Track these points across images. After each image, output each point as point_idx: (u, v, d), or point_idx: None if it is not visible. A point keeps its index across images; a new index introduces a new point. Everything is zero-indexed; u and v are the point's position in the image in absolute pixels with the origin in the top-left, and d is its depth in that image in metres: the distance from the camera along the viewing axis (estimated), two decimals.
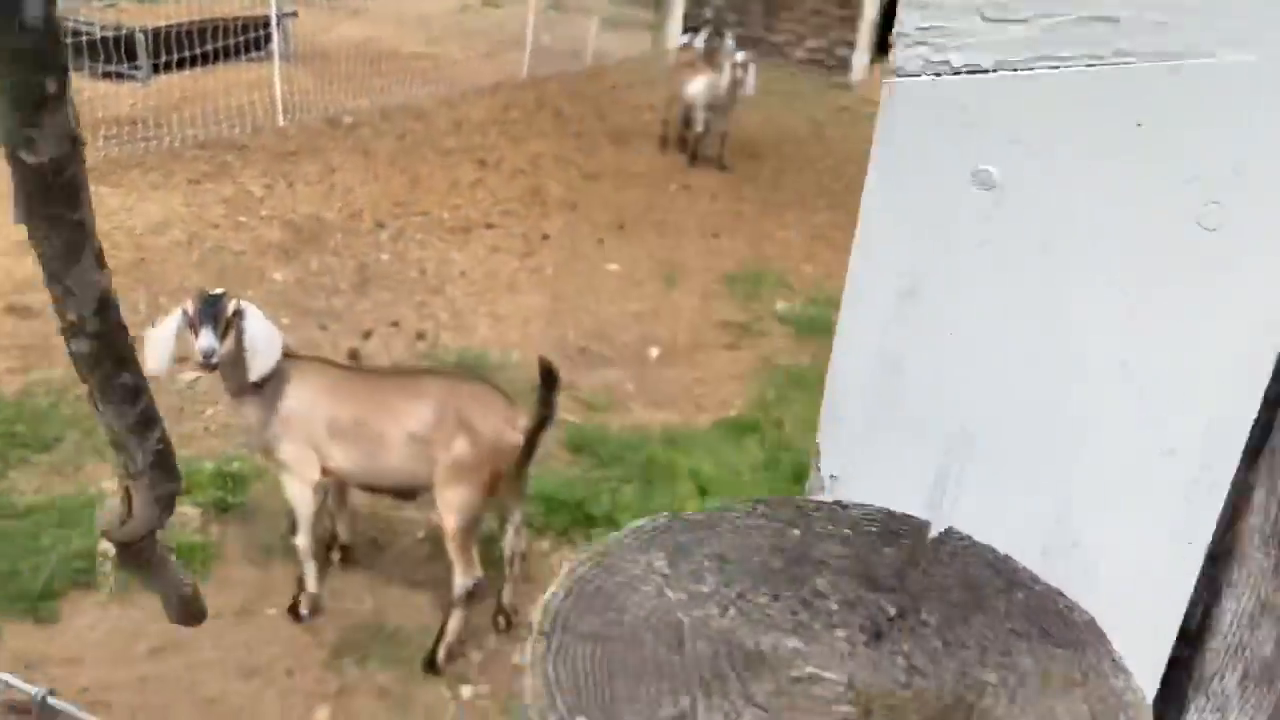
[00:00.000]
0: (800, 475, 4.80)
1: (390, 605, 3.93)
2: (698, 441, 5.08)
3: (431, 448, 3.45)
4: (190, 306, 3.38)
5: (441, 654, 3.63)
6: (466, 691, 3.60)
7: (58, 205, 0.72)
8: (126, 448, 0.84)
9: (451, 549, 3.53)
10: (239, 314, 3.40)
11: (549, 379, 3.51)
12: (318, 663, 3.64)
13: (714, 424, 5.37)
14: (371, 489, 3.76)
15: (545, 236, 7.58)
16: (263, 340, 3.45)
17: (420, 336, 5.91)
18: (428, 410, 3.46)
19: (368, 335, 5.87)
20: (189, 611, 1.10)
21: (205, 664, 3.55)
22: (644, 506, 4.39)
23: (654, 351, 6.16)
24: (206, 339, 3.33)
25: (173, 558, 1.08)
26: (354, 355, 5.60)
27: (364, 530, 4.32)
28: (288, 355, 3.59)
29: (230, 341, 3.39)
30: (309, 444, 3.52)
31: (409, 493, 3.67)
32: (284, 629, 3.75)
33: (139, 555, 0.97)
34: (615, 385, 5.73)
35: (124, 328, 0.82)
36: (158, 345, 3.38)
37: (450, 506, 3.46)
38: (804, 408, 5.56)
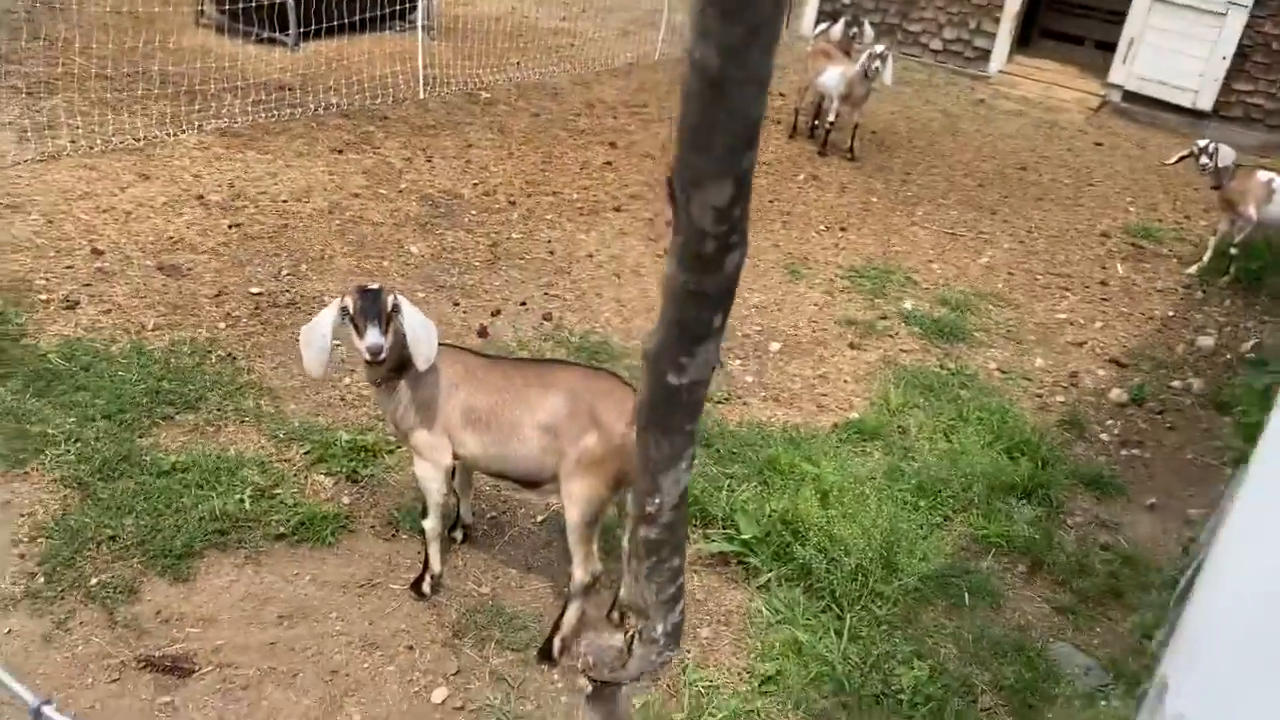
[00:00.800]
0: (925, 490, 4.71)
1: (509, 589, 4.00)
2: (819, 444, 5.01)
3: (561, 440, 3.48)
4: (350, 303, 3.41)
5: (556, 645, 3.67)
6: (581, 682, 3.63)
7: (679, 418, 0.72)
8: (650, 615, 0.89)
9: (572, 541, 3.56)
10: (396, 308, 3.45)
11: None
12: (438, 641, 3.72)
13: (835, 426, 5.29)
14: (499, 476, 3.81)
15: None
16: (423, 333, 3.48)
17: (546, 318, 5.96)
18: (560, 403, 3.49)
19: (496, 314, 5.95)
20: None
21: (331, 634, 3.67)
22: (762, 508, 4.36)
23: (775, 346, 6.09)
24: (374, 336, 3.36)
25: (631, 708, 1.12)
26: (484, 333, 5.68)
27: (485, 510, 4.39)
28: None
29: (390, 336, 3.43)
30: (443, 430, 3.58)
31: (534, 482, 3.72)
32: (407, 605, 3.85)
33: (609, 694, 1.02)
34: (735, 378, 5.70)
35: (687, 521, 0.89)
36: (315, 344, 3.43)
37: (575, 499, 3.48)
38: (929, 415, 5.44)
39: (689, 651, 3.80)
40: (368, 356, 3.40)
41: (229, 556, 3.93)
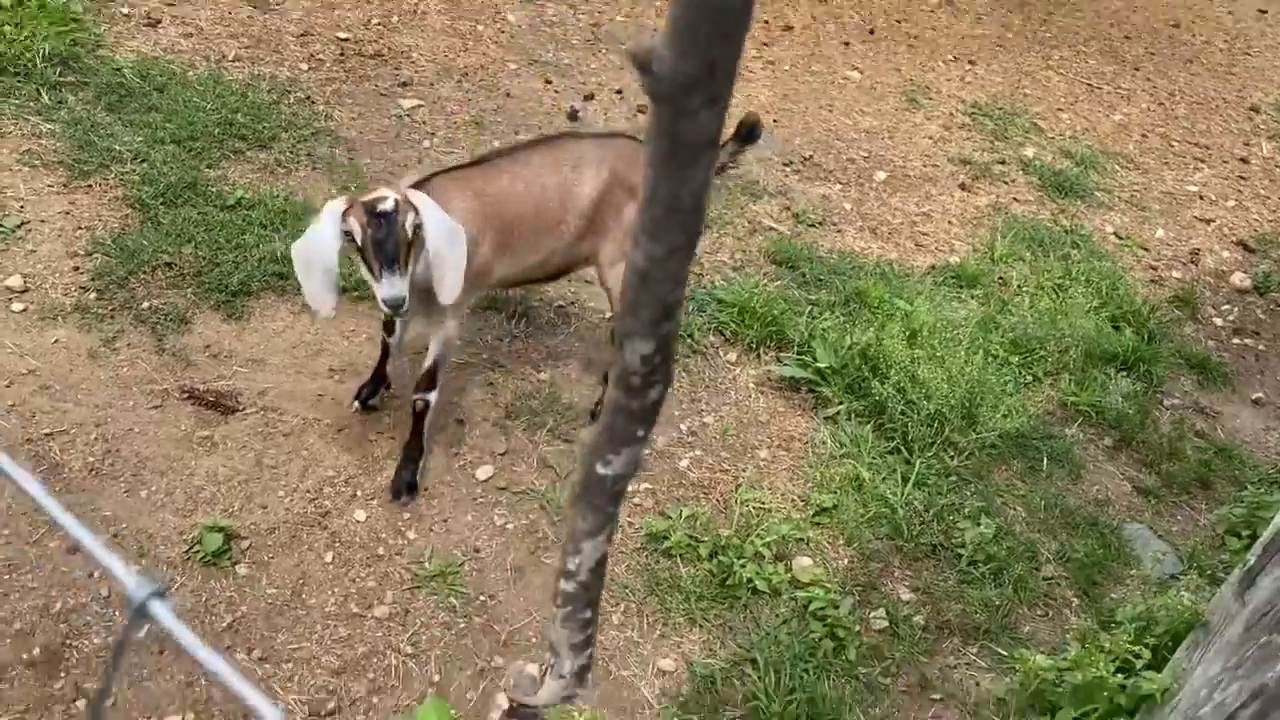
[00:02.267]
0: (1019, 347, 4.39)
1: (567, 380, 3.82)
2: (912, 283, 4.69)
3: (603, 217, 3.23)
4: (356, 228, 2.64)
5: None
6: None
7: (603, 501, 0.90)
8: (559, 654, 1.02)
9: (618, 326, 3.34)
10: (418, 229, 2.70)
11: (748, 135, 3.38)
12: (489, 420, 3.58)
13: (932, 268, 4.94)
14: (517, 285, 3.56)
15: (788, 28, 7.02)
16: (450, 254, 2.78)
17: (641, 110, 5.59)
18: (593, 181, 3.19)
19: (590, 98, 5.59)
20: None
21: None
22: (843, 339, 4.09)
23: (880, 175, 5.68)
24: (393, 286, 2.65)
25: None
26: (574, 116, 5.34)
27: (553, 300, 4.18)
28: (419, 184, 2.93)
29: (412, 269, 2.74)
30: (472, 284, 3.06)
31: (561, 275, 3.48)
32: (462, 378, 3.69)
33: (526, 715, 1.16)
34: (833, 203, 5.34)
35: (602, 584, 1.03)
36: (316, 277, 2.72)
37: (619, 280, 3.23)
38: (1034, 270, 5.06)
39: (744, 470, 3.62)
40: (386, 310, 2.74)
41: (285, 302, 3.78)
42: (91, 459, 3.12)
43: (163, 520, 3.03)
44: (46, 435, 3.15)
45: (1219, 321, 5.23)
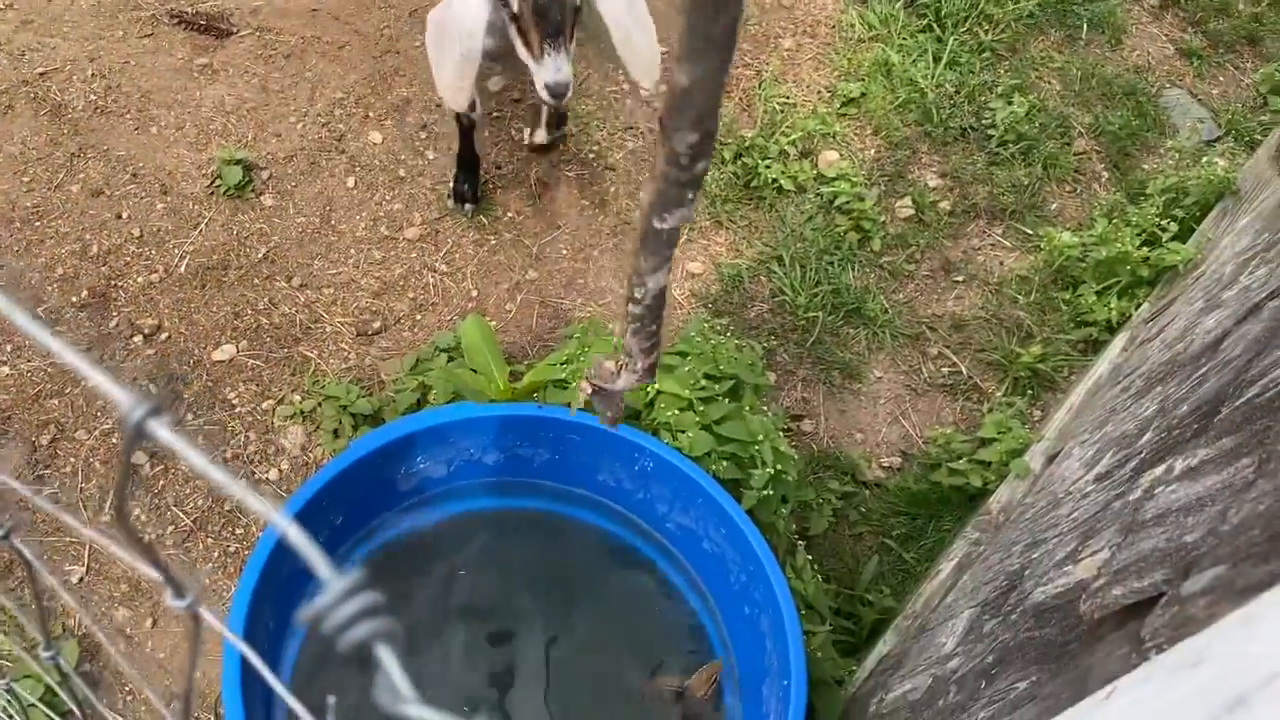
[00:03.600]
0: None
1: None
2: None
3: None
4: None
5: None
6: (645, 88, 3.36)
7: (661, 246, 1.06)
8: (632, 353, 1.18)
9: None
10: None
11: None
12: None
13: None
14: None
15: None
16: (639, 27, 2.19)
17: None
18: None
19: None
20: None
21: (379, 5, 3.33)
22: None
23: None
24: (559, 70, 2.09)
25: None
26: None
27: None
28: None
29: (574, 45, 2.16)
30: None
31: None
32: None
33: (607, 394, 1.35)
34: None
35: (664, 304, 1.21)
36: (454, 57, 2.15)
37: None
38: None
39: (767, 63, 3.46)
40: (548, 98, 2.16)
41: None
42: (93, 97, 3.03)
43: (179, 156, 3.00)
44: (41, 75, 3.03)
45: None
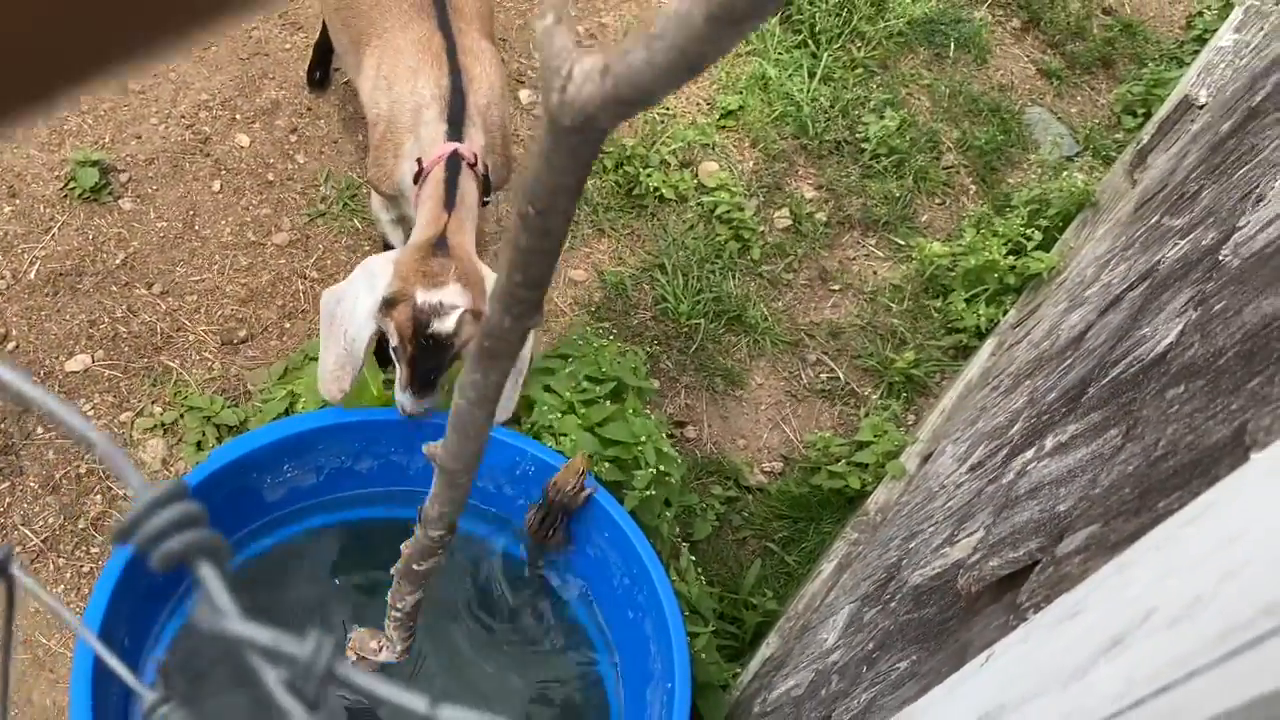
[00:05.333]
0: None
1: None
2: None
3: None
4: (394, 335, 1.94)
5: None
6: (524, 96, 3.33)
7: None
8: (393, 639, 1.47)
9: None
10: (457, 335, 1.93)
11: None
12: None
13: None
14: None
15: None
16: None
17: None
18: None
19: None
20: None
21: None
22: None
23: None
24: (418, 406, 1.99)
25: None
26: None
27: None
28: None
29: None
30: None
31: None
32: None
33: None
34: None
35: None
36: (335, 351, 2.01)
37: None
38: None
39: None
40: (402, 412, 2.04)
41: None
42: None
43: (29, 156, 2.84)
44: None
45: None
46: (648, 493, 2.09)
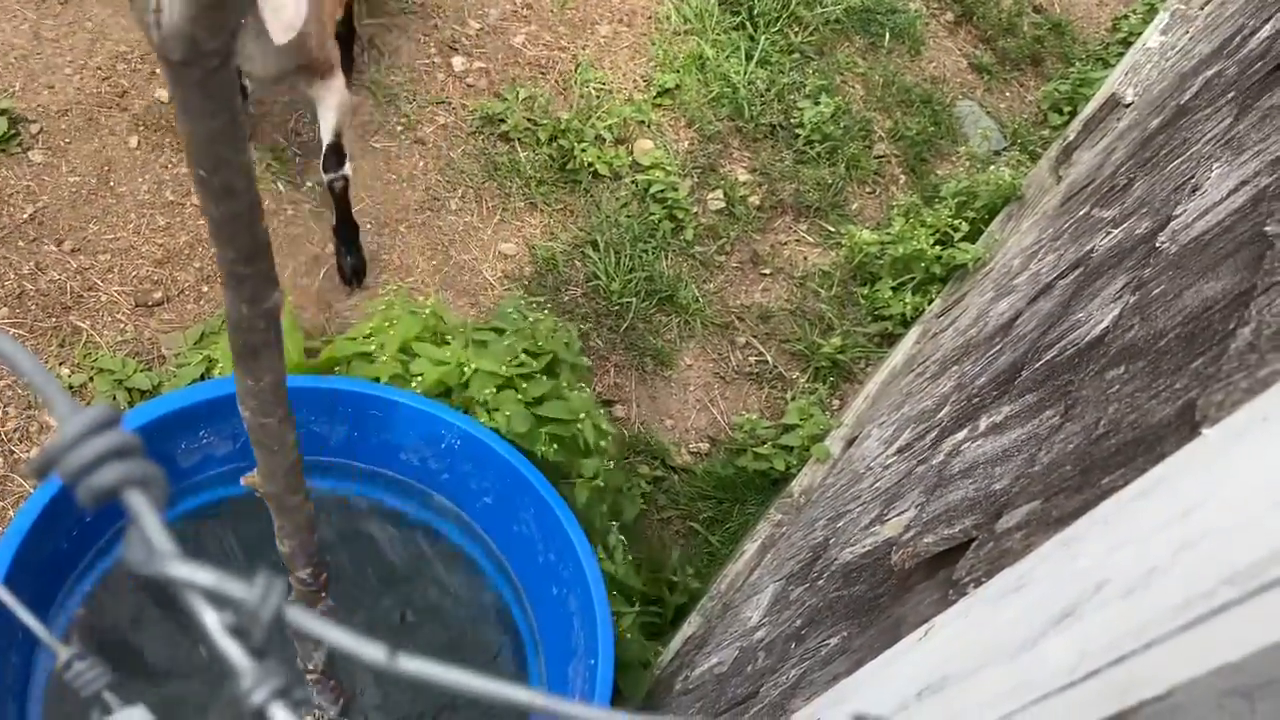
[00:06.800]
0: None
1: None
2: None
3: None
4: None
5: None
6: (458, 63, 3.27)
7: None
8: (324, 706, 1.39)
9: None
10: None
11: None
12: None
13: None
14: None
15: None
16: None
17: None
18: None
19: None
20: None
21: None
22: None
23: None
24: None
25: None
26: None
27: None
28: None
29: None
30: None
31: None
32: None
33: None
34: None
35: None
36: None
37: None
38: None
39: (584, 48, 3.43)
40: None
41: None
42: None
43: None
44: None
45: None
46: (597, 483, 2.07)
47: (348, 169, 2.56)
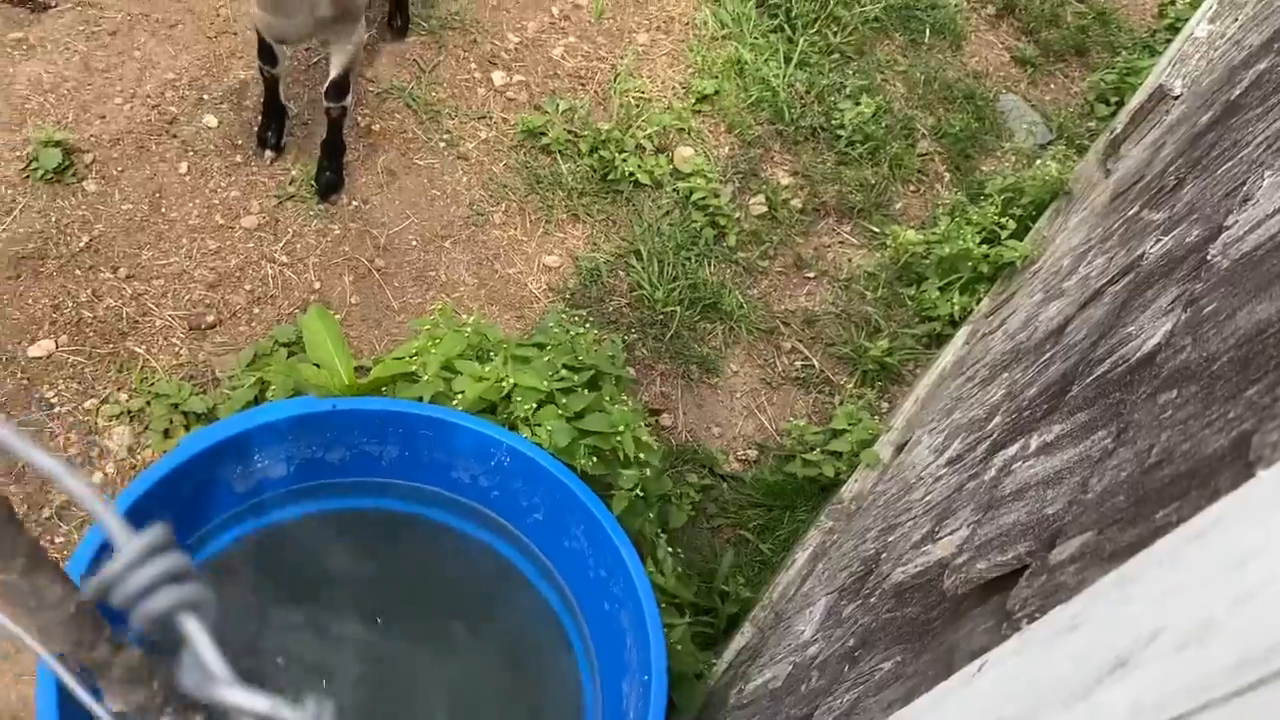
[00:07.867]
0: None
1: None
2: None
3: None
4: None
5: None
6: (498, 78, 3.29)
7: None
8: None
9: None
10: None
11: None
12: None
13: None
14: None
15: None
16: None
17: None
18: None
19: None
20: None
21: None
22: None
23: None
24: None
25: None
26: None
27: None
28: None
29: None
30: None
31: None
32: None
33: None
34: None
35: None
36: None
37: None
38: None
39: (622, 57, 3.44)
40: None
41: None
42: None
43: None
44: None
45: None
46: (635, 493, 2.07)
47: (348, 100, 2.77)
